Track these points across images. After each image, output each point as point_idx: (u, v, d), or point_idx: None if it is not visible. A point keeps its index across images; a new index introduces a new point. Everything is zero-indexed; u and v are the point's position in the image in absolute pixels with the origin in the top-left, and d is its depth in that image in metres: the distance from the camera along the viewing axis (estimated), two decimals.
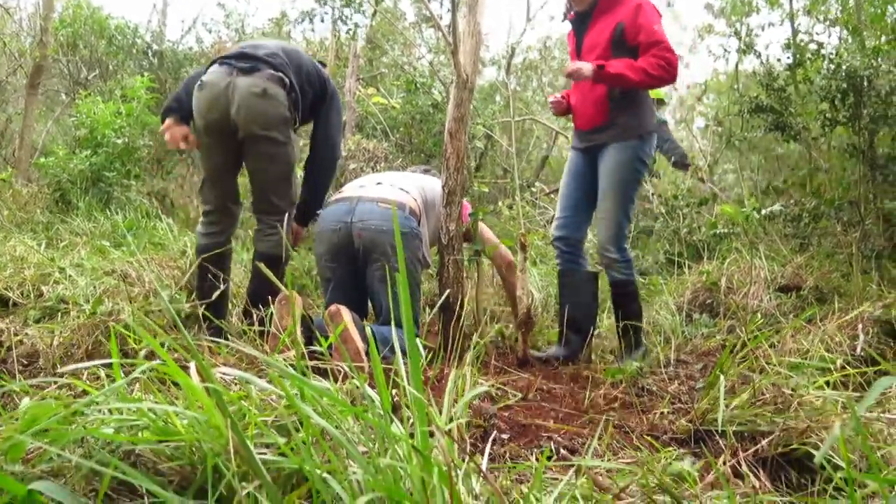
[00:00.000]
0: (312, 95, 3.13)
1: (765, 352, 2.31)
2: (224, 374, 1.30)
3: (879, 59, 4.34)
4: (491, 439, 1.70)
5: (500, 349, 3.33)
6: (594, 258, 4.13)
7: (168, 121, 3.06)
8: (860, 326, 2.73)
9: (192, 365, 1.17)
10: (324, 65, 3.35)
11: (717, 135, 7.85)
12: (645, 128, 3.07)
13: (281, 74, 2.92)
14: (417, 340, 1.31)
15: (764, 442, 1.73)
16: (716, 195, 5.88)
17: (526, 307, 3.01)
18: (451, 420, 1.48)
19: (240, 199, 3.18)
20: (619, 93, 3.06)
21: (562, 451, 1.75)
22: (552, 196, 6.82)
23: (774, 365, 2.14)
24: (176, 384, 1.29)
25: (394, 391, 1.42)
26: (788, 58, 5.12)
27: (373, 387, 1.24)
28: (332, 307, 2.57)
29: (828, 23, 9.19)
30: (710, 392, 2.02)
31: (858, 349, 2.59)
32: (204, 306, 2.75)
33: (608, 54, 2.99)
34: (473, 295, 3.38)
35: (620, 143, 3.05)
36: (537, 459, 1.62)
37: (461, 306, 2.88)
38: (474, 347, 2.19)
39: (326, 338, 1.73)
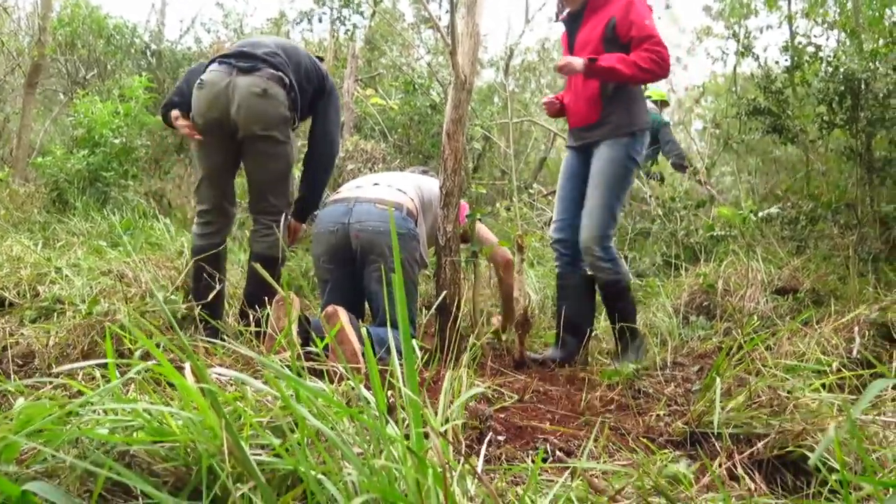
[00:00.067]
0: (311, 92, 3.14)
1: (761, 354, 2.32)
2: (219, 374, 1.30)
3: (877, 62, 4.34)
4: (486, 441, 1.70)
5: (497, 351, 3.33)
6: None
7: (176, 113, 3.04)
8: (856, 329, 2.73)
9: (188, 365, 1.16)
10: (321, 59, 3.35)
11: (714, 137, 7.86)
12: (638, 125, 3.06)
13: (281, 74, 2.92)
14: (413, 342, 1.31)
15: (760, 444, 1.73)
16: (713, 197, 5.88)
17: (523, 309, 3.01)
18: (446, 421, 1.48)
19: (236, 199, 3.17)
20: (611, 90, 3.05)
21: (557, 452, 1.75)
22: (550, 198, 6.82)
23: (770, 367, 2.14)
24: (171, 385, 1.29)
25: (389, 392, 1.42)
26: (786, 60, 5.13)
27: (368, 388, 1.24)
28: (329, 308, 2.57)
29: (826, 26, 9.20)
30: (707, 394, 2.02)
31: (854, 352, 2.59)
32: (200, 307, 2.75)
33: (600, 51, 2.99)
34: (470, 296, 3.38)
35: (612, 139, 3.05)
36: (533, 461, 1.62)
37: (458, 307, 2.88)
38: (471, 349, 2.19)
39: (323, 339, 1.72)
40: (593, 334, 3.31)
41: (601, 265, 3.05)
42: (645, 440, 1.87)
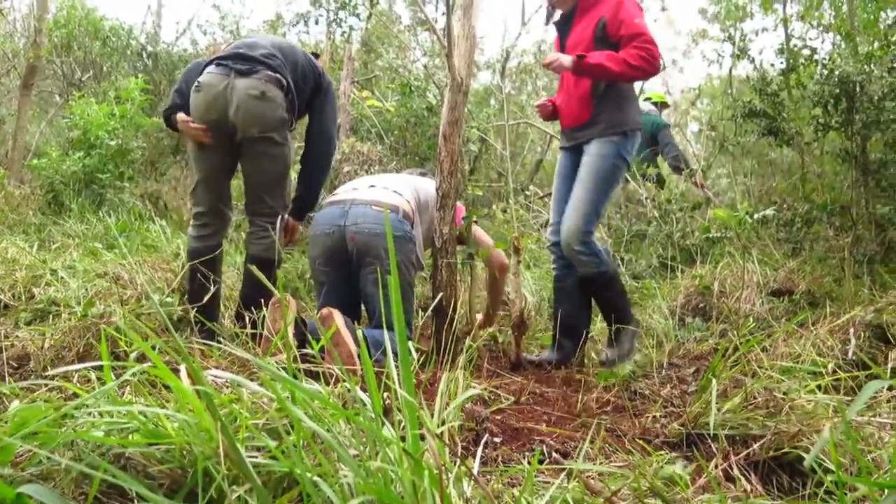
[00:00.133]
0: (308, 92, 3.14)
1: (757, 356, 2.32)
2: (215, 376, 1.30)
3: (872, 65, 4.36)
4: (483, 443, 1.70)
5: (493, 353, 3.33)
6: None
7: (183, 116, 3.02)
8: (851, 331, 2.74)
9: (183, 368, 1.16)
10: (317, 56, 3.35)
11: (710, 139, 7.87)
12: (629, 125, 3.06)
13: (278, 76, 2.92)
14: (410, 343, 1.31)
15: (755, 445, 1.73)
16: (709, 199, 5.89)
17: (519, 310, 3.01)
18: (442, 423, 1.48)
19: (232, 201, 3.17)
20: (602, 89, 3.05)
21: (554, 454, 1.75)
22: (546, 200, 6.83)
23: (766, 369, 2.14)
24: (167, 387, 1.29)
25: (385, 394, 1.42)
26: (782, 63, 5.14)
27: (365, 390, 1.24)
28: (324, 310, 2.57)
29: (821, 28, 9.24)
30: (703, 396, 2.02)
31: (850, 353, 2.60)
32: (195, 309, 2.75)
33: (591, 50, 2.99)
34: (466, 298, 3.38)
35: (603, 138, 3.04)
36: (529, 463, 1.62)
37: (454, 310, 2.88)
38: (467, 351, 2.19)
39: (319, 341, 1.72)
40: (589, 336, 3.31)
41: (582, 259, 3.01)
42: (641, 441, 1.87)
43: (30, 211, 5.72)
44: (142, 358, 1.91)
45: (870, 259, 4.19)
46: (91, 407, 1.20)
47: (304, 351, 1.81)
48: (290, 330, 2.29)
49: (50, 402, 1.28)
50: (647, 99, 7.13)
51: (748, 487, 1.58)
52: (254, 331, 2.46)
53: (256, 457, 1.10)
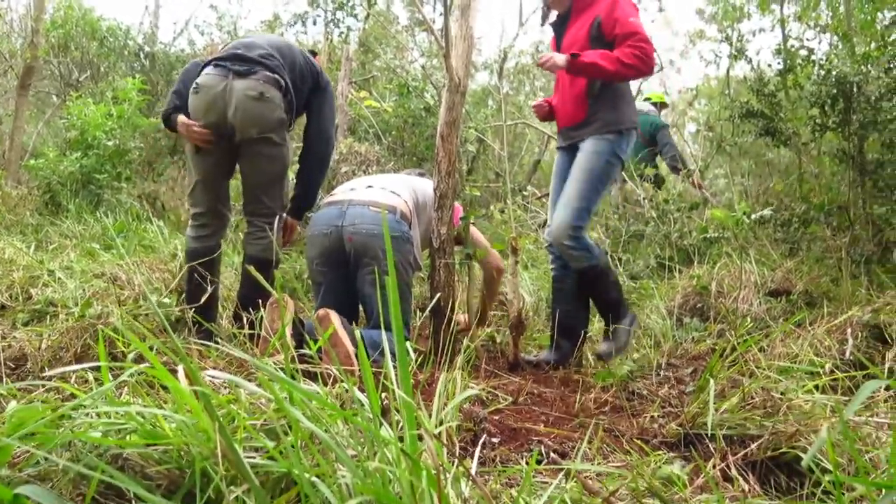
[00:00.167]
0: (307, 91, 3.14)
1: (754, 356, 2.32)
2: (213, 377, 1.30)
3: (869, 65, 4.36)
4: (481, 443, 1.70)
5: (491, 353, 3.33)
6: None
7: (184, 119, 2.99)
8: (849, 331, 2.74)
9: (181, 368, 1.16)
10: (314, 53, 3.35)
11: (707, 139, 7.89)
12: (624, 123, 3.06)
13: (277, 76, 2.92)
14: (407, 344, 1.31)
15: (753, 446, 1.74)
16: (707, 200, 5.90)
17: (517, 311, 3.01)
18: (440, 423, 1.48)
19: (230, 202, 3.17)
20: (598, 88, 3.05)
21: (552, 454, 1.75)
22: (544, 200, 6.83)
23: (764, 369, 2.15)
24: (164, 388, 1.29)
25: (383, 394, 1.42)
26: (779, 63, 5.14)
27: (362, 390, 1.24)
28: (321, 311, 2.57)
29: (818, 29, 9.26)
30: (700, 396, 2.02)
31: (847, 353, 2.60)
32: (193, 309, 2.75)
33: (587, 50, 3.00)
34: (464, 299, 3.38)
35: (598, 136, 3.04)
36: (527, 463, 1.63)
37: (452, 310, 2.88)
38: (465, 351, 2.19)
39: (316, 341, 1.72)
40: (588, 336, 3.31)
41: (573, 253, 3.00)
42: (639, 442, 1.88)
43: (27, 211, 5.71)
44: (139, 359, 1.90)
45: (867, 259, 4.19)
46: (88, 408, 1.19)
47: (302, 351, 1.81)
48: (288, 330, 2.29)
49: (47, 402, 1.28)
50: (647, 99, 7.14)
51: (746, 487, 1.58)
52: (252, 331, 2.45)
53: (254, 457, 1.10)
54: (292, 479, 1.07)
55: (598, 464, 1.68)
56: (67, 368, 1.35)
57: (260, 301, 2.52)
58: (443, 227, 2.92)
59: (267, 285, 1.47)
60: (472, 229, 3.37)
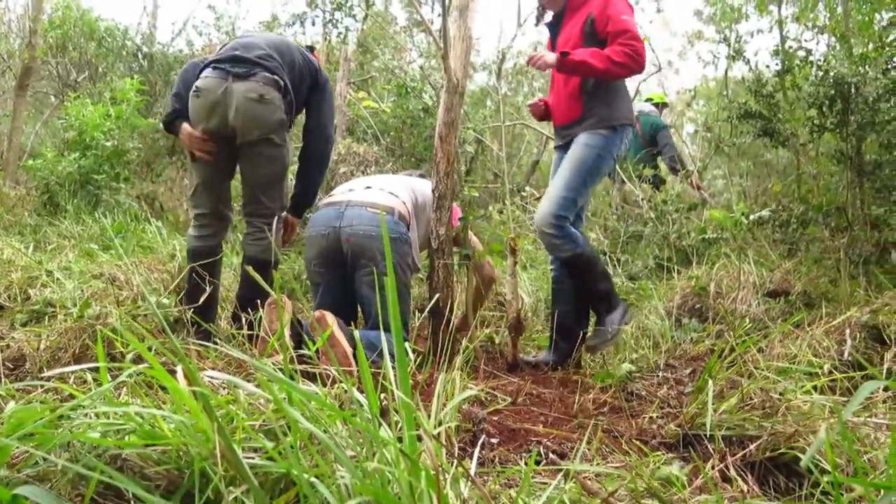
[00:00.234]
0: (305, 90, 3.14)
1: (753, 356, 2.32)
2: (212, 377, 1.29)
3: (867, 66, 4.36)
4: (480, 443, 1.70)
5: (490, 354, 3.33)
6: None
7: (188, 128, 2.97)
8: (847, 331, 2.74)
9: (180, 369, 1.16)
10: (312, 49, 3.35)
11: (706, 140, 7.89)
12: (619, 119, 3.05)
13: (276, 77, 2.92)
14: (406, 344, 1.31)
15: (752, 446, 1.74)
16: (705, 200, 5.90)
17: (516, 311, 3.01)
18: (439, 424, 1.48)
19: (231, 202, 3.17)
20: (591, 86, 3.05)
21: (551, 455, 1.75)
22: None
23: (762, 369, 2.15)
24: (163, 388, 1.29)
25: (382, 395, 1.42)
26: (777, 64, 5.14)
27: (361, 391, 1.24)
28: (317, 313, 2.56)
29: (816, 30, 9.28)
30: (699, 396, 2.02)
31: (846, 354, 2.60)
32: (192, 310, 2.75)
33: (580, 47, 3.00)
34: (463, 299, 3.38)
35: (592, 130, 3.03)
36: (526, 464, 1.62)
37: (451, 310, 2.88)
38: (464, 352, 2.19)
39: (315, 342, 1.72)
40: (586, 337, 3.31)
41: (555, 242, 2.96)
42: (638, 442, 1.88)
43: (25, 212, 5.70)
44: (138, 359, 1.90)
45: (865, 260, 4.19)
46: (87, 408, 1.19)
47: (301, 352, 1.81)
48: (287, 331, 2.29)
49: (46, 403, 1.28)
50: (648, 100, 7.15)
51: (745, 488, 1.58)
52: (250, 332, 2.45)
53: (253, 458, 1.10)
54: (291, 479, 1.07)
55: (597, 464, 1.68)
56: (66, 369, 1.35)
57: (259, 302, 2.52)
58: (441, 228, 2.92)
59: (266, 286, 1.47)
60: (471, 236, 3.37)
